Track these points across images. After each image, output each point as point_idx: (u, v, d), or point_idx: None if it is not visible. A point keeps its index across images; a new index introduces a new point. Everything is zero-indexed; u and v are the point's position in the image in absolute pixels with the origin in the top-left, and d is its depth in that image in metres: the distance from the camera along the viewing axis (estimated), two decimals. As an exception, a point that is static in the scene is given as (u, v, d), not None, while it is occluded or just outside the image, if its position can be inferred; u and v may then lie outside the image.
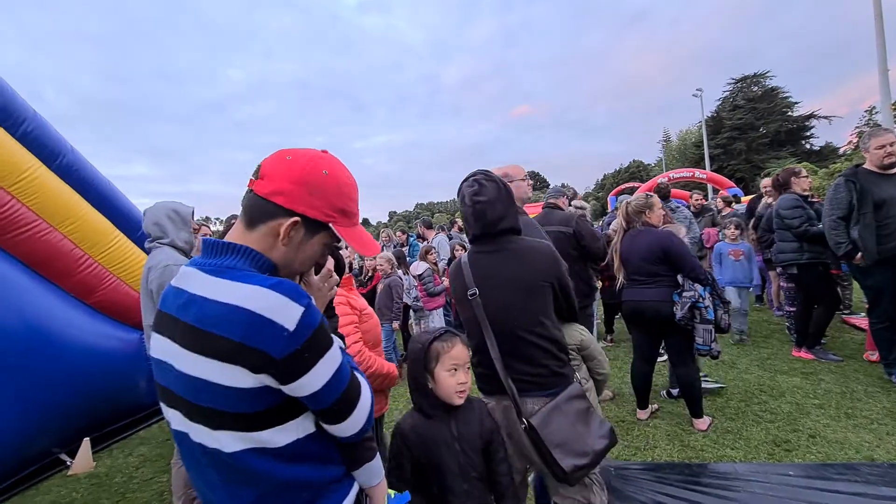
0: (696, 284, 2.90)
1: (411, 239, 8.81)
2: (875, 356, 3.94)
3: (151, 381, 3.37)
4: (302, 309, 0.81)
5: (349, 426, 0.91)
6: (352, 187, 0.99)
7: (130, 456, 3.70)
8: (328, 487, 0.92)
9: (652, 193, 3.33)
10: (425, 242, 6.92)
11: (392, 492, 1.17)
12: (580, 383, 1.75)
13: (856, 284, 5.87)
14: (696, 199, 6.75)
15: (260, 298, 0.79)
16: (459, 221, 9.80)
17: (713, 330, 2.90)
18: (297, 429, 0.87)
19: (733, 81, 41.27)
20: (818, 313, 4.15)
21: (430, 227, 7.54)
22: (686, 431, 3.14)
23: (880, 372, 3.69)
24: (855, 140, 33.45)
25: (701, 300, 2.85)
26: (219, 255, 0.90)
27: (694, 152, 40.41)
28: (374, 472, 1.09)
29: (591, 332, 3.90)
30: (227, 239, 0.93)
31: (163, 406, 0.93)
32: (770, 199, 5.73)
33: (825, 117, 37.61)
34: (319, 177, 0.93)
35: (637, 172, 51.76)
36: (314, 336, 0.83)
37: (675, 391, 3.57)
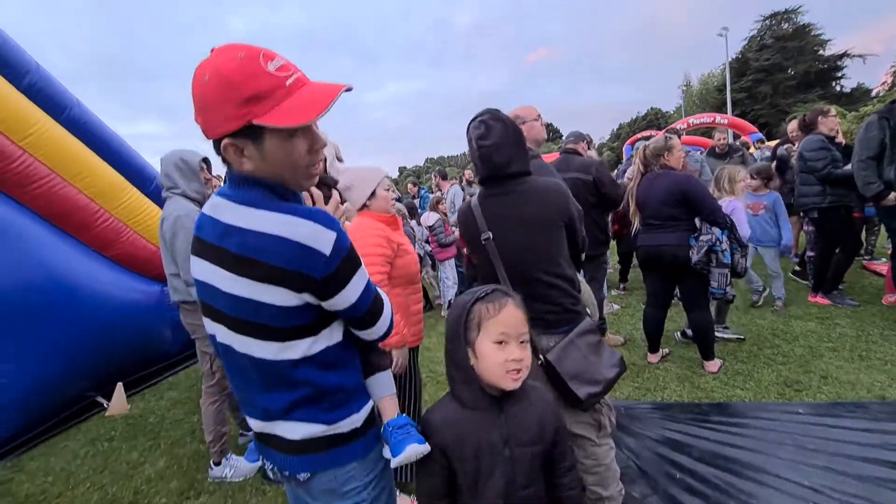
0: (713, 228, 2.83)
1: (422, 191, 8.73)
2: (894, 299, 3.88)
3: (176, 330, 3.50)
4: (335, 234, 0.90)
5: (376, 330, 1.05)
6: (245, 69, 0.83)
7: (161, 399, 3.91)
8: (354, 393, 1.03)
9: (671, 135, 3.20)
10: (439, 193, 6.85)
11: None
12: (591, 318, 1.78)
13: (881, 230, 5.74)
14: (720, 139, 5.89)
15: (297, 227, 0.87)
16: (468, 173, 9.64)
17: (729, 274, 2.87)
18: (328, 338, 0.98)
19: (762, 19, 38.44)
20: (838, 258, 4.06)
21: (445, 177, 7.43)
22: (697, 374, 3.19)
23: (898, 316, 3.65)
24: (890, 79, 31.47)
25: (718, 244, 2.80)
26: (240, 187, 0.94)
27: (716, 97, 38.50)
28: (384, 383, 1.16)
29: (603, 280, 3.90)
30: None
31: (206, 321, 1.03)
32: (796, 145, 5.50)
33: (859, 56, 35.16)
34: (203, 89, 0.85)
35: (655, 120, 49.79)
36: (347, 257, 0.93)
37: (689, 331, 3.59)
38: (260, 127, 0.85)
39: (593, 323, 1.78)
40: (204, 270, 0.96)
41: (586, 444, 1.76)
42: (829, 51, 35.91)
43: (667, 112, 51.39)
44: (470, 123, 1.73)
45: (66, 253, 3.52)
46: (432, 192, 7.65)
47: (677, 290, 3.46)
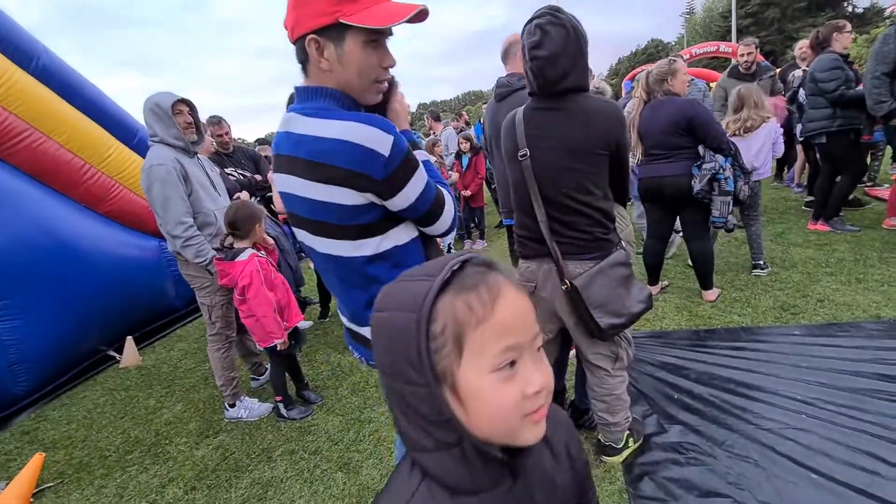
0: (717, 155, 2.76)
1: (416, 137, 8.48)
2: (894, 222, 3.87)
3: (178, 284, 3.51)
4: (392, 137, 0.97)
5: (441, 225, 1.13)
6: None
7: (172, 351, 4.01)
8: None
9: (675, 58, 3.04)
10: (433, 135, 6.65)
11: None
12: (625, 250, 1.74)
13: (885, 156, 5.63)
14: (746, 56, 4.63)
15: (358, 131, 0.95)
16: (465, 116, 9.33)
17: (731, 202, 2.83)
18: (395, 238, 1.08)
19: (773, -67, 35.69)
20: (842, 182, 4.00)
21: (437, 119, 7.19)
22: (695, 303, 3.24)
23: (897, 239, 3.66)
24: (905, -3, 29.65)
25: (721, 171, 2.74)
26: (309, 100, 1.04)
27: (720, 25, 36.59)
28: None
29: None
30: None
31: (297, 231, 1.15)
32: (805, 67, 5.25)
33: (875, -28, 33.00)
34: None
35: (655, 53, 47.65)
36: (405, 159, 1.00)
37: None
38: (344, 27, 0.95)
39: (627, 255, 1.73)
40: (284, 182, 1.07)
41: (601, 374, 1.80)
42: (842, -33, 33.63)
43: (668, 43, 49.06)
44: (525, 27, 1.55)
45: (59, 210, 3.46)
46: (426, 137, 7.44)
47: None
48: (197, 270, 2.46)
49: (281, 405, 2.57)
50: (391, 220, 1.07)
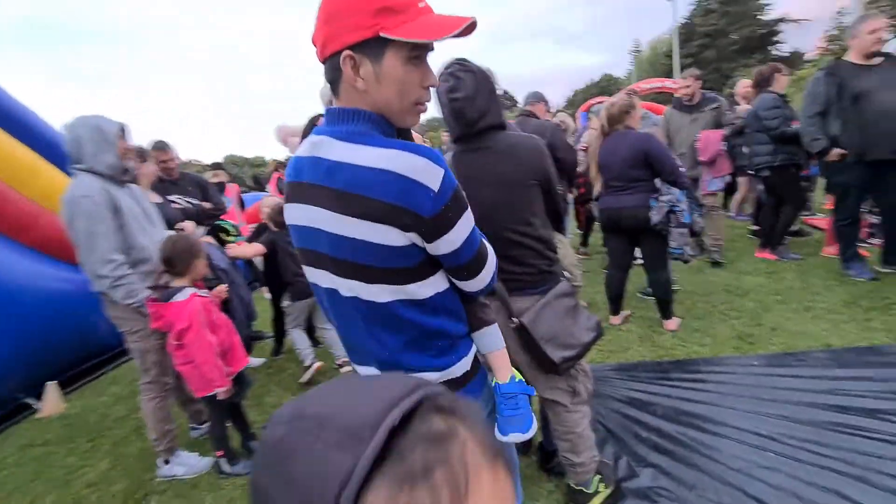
0: (672, 188, 2.82)
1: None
2: (832, 250, 4.10)
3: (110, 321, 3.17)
4: (442, 171, 0.86)
5: (478, 281, 1.00)
6: None
7: (102, 396, 3.61)
8: (460, 339, 1.02)
9: (633, 94, 3.13)
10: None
11: (517, 374, 1.14)
12: (568, 281, 1.72)
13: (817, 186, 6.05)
14: (685, 88, 4.46)
15: (404, 161, 0.84)
16: (445, 136, 9.30)
17: (688, 234, 2.89)
18: (436, 284, 0.95)
19: (708, -17, 39.22)
20: (785, 214, 4.22)
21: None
22: (657, 333, 3.25)
23: (837, 267, 3.86)
24: (823, 45, 33.16)
25: (678, 203, 2.80)
26: (344, 122, 0.91)
27: (664, 63, 39.29)
28: (494, 337, 1.11)
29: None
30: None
31: (308, 269, 1.02)
32: (744, 105, 5.60)
33: (795, 21, 36.80)
34: None
35: (607, 87, 50.48)
36: (454, 197, 0.89)
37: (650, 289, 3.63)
38: (384, 42, 0.84)
39: (571, 286, 1.73)
40: (305, 215, 0.94)
41: (560, 410, 1.75)
42: (767, 16, 37.27)
43: (618, 77, 52.13)
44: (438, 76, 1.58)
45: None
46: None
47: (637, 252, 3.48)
48: (127, 313, 2.20)
49: (223, 460, 2.31)
50: (433, 264, 0.95)
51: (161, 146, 3.35)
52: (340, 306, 0.98)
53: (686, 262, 3.20)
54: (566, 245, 1.86)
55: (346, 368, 3.37)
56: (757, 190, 5.17)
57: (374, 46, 0.85)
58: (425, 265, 0.93)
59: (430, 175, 0.84)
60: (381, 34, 0.83)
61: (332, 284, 0.96)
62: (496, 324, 1.13)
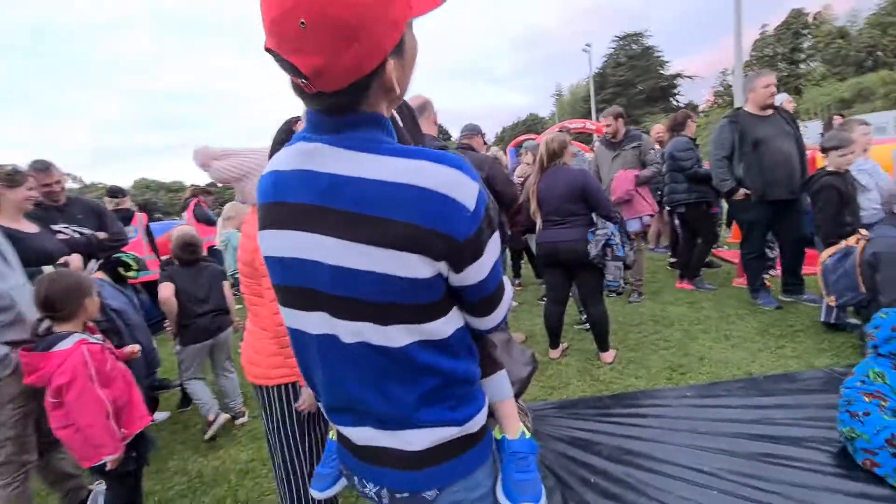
0: (607, 223, 2.89)
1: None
2: (741, 281, 4.46)
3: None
4: (477, 185, 0.70)
5: (496, 316, 0.84)
6: None
7: None
8: (477, 384, 0.85)
9: (565, 130, 3.22)
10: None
11: (527, 428, 1.00)
12: None
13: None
14: (606, 127, 4.50)
15: (435, 174, 0.67)
16: None
17: (623, 266, 2.95)
18: (456, 318, 0.79)
19: (617, 39, 43.99)
20: (699, 248, 4.55)
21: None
22: (595, 366, 3.26)
23: (747, 296, 4.18)
24: (711, 98, 38.19)
25: (613, 237, 2.86)
26: (345, 127, 0.71)
27: (583, 106, 42.91)
28: (505, 382, 0.98)
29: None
30: None
31: (289, 312, 0.81)
32: (657, 147, 6.11)
33: (689, 77, 42.22)
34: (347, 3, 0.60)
35: (533, 125, 53.93)
36: (487, 217, 0.73)
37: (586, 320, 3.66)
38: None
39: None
40: (294, 243, 0.74)
41: None
42: (667, 71, 42.39)
43: (543, 117, 55.91)
44: None
45: None
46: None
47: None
48: None
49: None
50: (453, 295, 0.78)
51: (42, 167, 2.86)
52: (337, 355, 0.77)
53: (619, 293, 3.28)
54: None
55: (241, 420, 3.02)
56: (671, 224, 5.61)
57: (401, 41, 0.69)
58: (448, 297, 0.76)
59: (466, 190, 0.68)
60: (412, 18, 0.68)
61: (330, 329, 0.76)
62: (505, 371, 0.99)
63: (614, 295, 3.41)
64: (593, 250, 2.89)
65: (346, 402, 0.81)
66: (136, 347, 2.16)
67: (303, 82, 0.64)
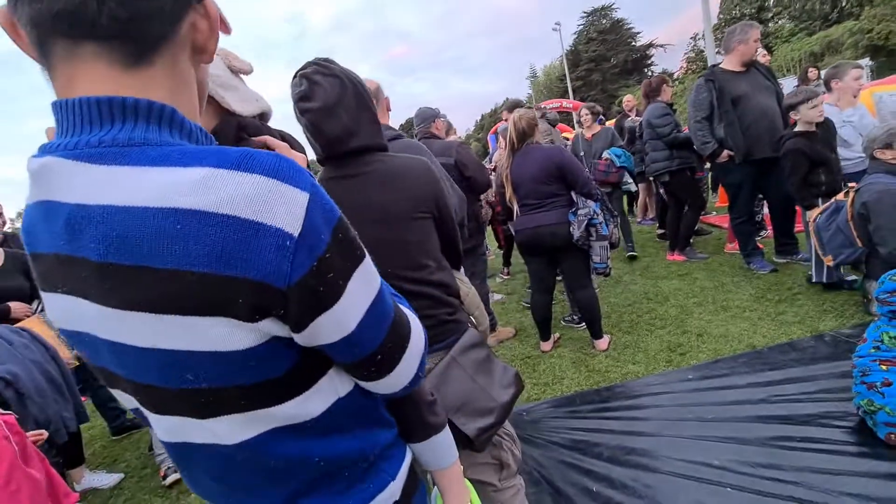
0: (588, 201, 2.67)
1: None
2: (733, 247, 4.28)
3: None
4: (307, 195, 0.44)
5: (397, 378, 0.59)
6: None
7: None
8: (386, 451, 0.63)
9: (539, 109, 2.98)
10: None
11: (475, 495, 0.80)
12: (475, 327, 1.39)
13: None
14: (586, 113, 4.93)
15: (225, 186, 0.41)
16: None
17: (609, 246, 2.74)
18: (333, 389, 0.55)
19: (585, 14, 43.67)
20: (687, 216, 4.36)
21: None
22: (589, 355, 3.06)
23: (740, 262, 4.01)
24: (685, 66, 38.13)
25: (596, 216, 2.64)
26: (99, 124, 0.44)
27: (558, 86, 42.69)
28: (445, 447, 0.75)
29: (485, 273, 3.62)
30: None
31: (114, 391, 0.56)
32: (633, 116, 5.90)
33: (661, 46, 42.10)
34: None
35: (511, 109, 53.69)
36: (339, 241, 0.47)
37: (577, 317, 3.47)
38: None
39: (479, 334, 1.40)
40: (62, 312, 0.50)
41: (488, 491, 1.40)
42: (639, 42, 42.27)
43: (520, 100, 55.63)
44: (292, 80, 1.19)
45: None
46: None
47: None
48: None
49: None
50: (321, 362, 0.54)
51: None
52: (172, 450, 0.57)
53: (607, 275, 3.07)
54: (465, 282, 1.53)
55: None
56: (656, 194, 5.41)
57: None
58: (306, 367, 0.52)
59: (283, 205, 0.43)
60: None
61: (146, 412, 0.54)
62: (447, 426, 0.77)
63: (602, 277, 3.19)
64: (576, 232, 2.67)
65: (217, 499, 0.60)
66: (44, 434, 1.86)
67: None
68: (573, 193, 2.75)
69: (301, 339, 0.49)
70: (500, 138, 4.54)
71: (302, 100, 1.14)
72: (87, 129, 0.44)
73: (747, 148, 3.47)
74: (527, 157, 2.80)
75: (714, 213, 6.16)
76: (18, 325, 2.42)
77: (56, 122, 0.47)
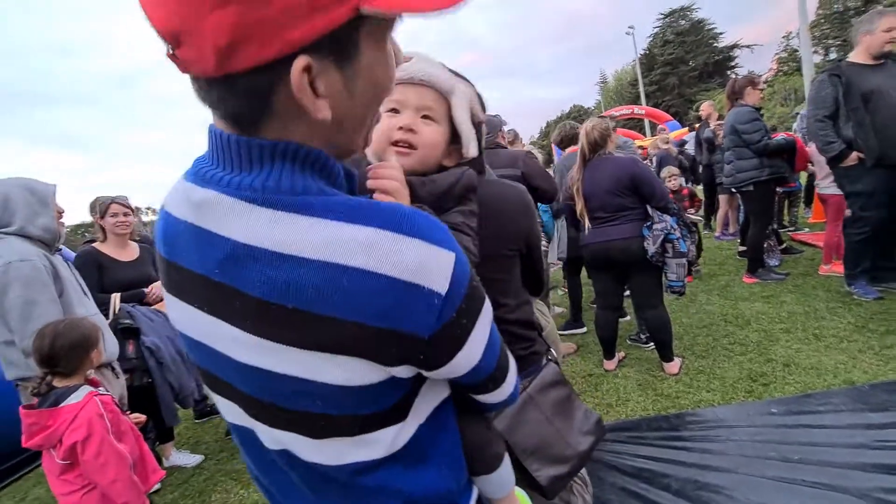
0: (664, 215, 2.54)
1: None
2: (830, 268, 3.85)
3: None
4: (453, 255, 0.49)
5: (503, 390, 0.65)
6: None
7: (23, 501, 3.04)
8: (457, 493, 0.64)
9: (604, 117, 2.89)
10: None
11: None
12: (555, 362, 1.30)
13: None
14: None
15: (391, 252, 0.45)
16: None
17: (686, 263, 2.58)
18: (416, 415, 0.57)
19: (662, 16, 41.65)
20: (752, 234, 3.98)
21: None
22: (657, 378, 2.89)
23: (838, 286, 3.60)
24: (775, 66, 35.00)
25: (673, 231, 2.50)
26: (259, 167, 0.48)
27: (630, 91, 41.03)
28: (505, 476, 0.76)
29: (547, 282, 3.55)
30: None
31: (212, 394, 0.61)
32: (713, 124, 5.52)
33: (747, 46, 39.04)
34: None
35: (578, 116, 52.27)
36: (470, 290, 0.52)
37: (644, 335, 3.30)
38: (356, 24, 0.45)
39: (559, 371, 1.28)
40: (192, 322, 0.55)
41: None
42: (721, 42, 39.52)
43: (588, 108, 54.01)
44: None
45: None
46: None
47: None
48: None
49: None
50: (418, 387, 0.58)
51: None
52: (261, 453, 0.60)
53: (682, 294, 2.89)
54: (546, 315, 1.45)
55: None
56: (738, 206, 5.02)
57: (342, 37, 0.45)
58: (408, 398, 0.56)
59: (438, 268, 0.47)
60: (364, 9, 0.43)
61: (247, 423, 0.58)
62: (507, 457, 0.77)
63: (676, 296, 3.01)
64: (651, 247, 2.54)
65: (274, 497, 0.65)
66: (142, 417, 2.06)
67: (169, 52, 0.44)
68: (648, 207, 2.63)
69: (434, 374, 0.54)
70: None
71: None
72: (246, 167, 0.48)
73: (881, 150, 3.06)
74: (599, 169, 2.72)
75: (806, 229, 5.59)
76: (152, 308, 2.78)
77: (209, 147, 0.52)
